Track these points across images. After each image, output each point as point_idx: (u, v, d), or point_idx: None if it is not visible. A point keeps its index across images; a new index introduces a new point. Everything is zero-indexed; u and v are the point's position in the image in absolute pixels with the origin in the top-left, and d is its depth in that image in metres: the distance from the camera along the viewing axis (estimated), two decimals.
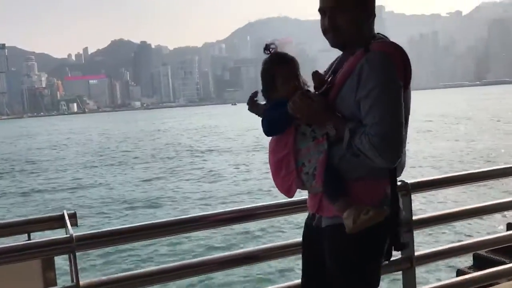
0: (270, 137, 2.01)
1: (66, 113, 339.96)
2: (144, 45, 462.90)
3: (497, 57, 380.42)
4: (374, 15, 1.92)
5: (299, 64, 1.98)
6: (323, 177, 1.85)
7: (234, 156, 32.21)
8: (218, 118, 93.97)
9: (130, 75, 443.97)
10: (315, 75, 1.95)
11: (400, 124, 1.74)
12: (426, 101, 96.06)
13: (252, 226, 11.77)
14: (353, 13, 1.85)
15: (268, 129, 1.95)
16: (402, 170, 1.94)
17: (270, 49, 1.96)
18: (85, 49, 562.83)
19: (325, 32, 1.90)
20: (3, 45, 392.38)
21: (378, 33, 1.94)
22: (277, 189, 2.01)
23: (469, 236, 10.76)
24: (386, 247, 1.90)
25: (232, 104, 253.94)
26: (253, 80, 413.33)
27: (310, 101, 1.83)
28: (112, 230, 2.44)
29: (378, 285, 1.91)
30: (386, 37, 1.92)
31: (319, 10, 1.90)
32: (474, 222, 11.29)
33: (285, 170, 1.92)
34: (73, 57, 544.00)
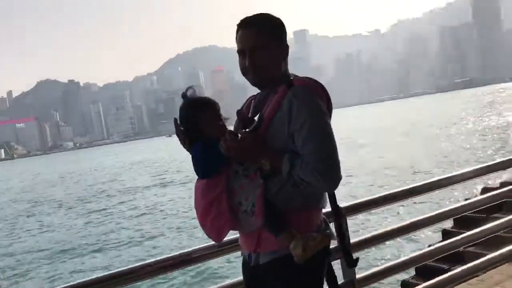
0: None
1: None
2: (72, 84, 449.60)
3: (418, 70, 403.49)
4: (288, 53, 1.99)
5: (219, 106, 1.98)
6: (264, 212, 1.83)
7: (171, 189, 31.16)
8: (154, 152, 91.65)
9: (60, 115, 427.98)
10: (241, 114, 2.00)
11: (336, 149, 1.82)
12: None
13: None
14: (272, 52, 1.91)
15: (203, 171, 1.91)
16: (327, 202, 2.04)
17: (189, 94, 1.96)
18: (9, 93, 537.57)
19: (244, 72, 1.95)
20: None
21: (291, 73, 2.02)
22: (205, 234, 1.96)
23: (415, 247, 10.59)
24: (327, 273, 1.97)
25: (167, 136, 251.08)
26: None
27: (240, 139, 1.85)
28: None
29: None
30: (297, 75, 2.00)
31: (238, 51, 1.94)
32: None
33: (215, 212, 1.87)
34: None
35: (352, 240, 2.91)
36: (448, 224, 8.23)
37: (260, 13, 1.98)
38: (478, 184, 9.43)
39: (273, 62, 1.93)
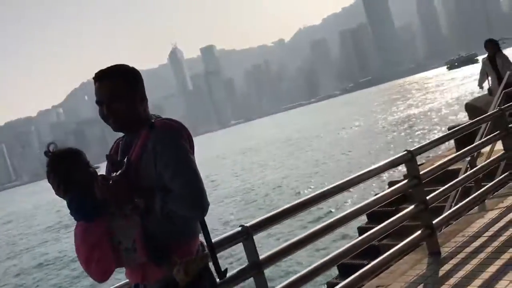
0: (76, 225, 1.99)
1: None
2: None
3: (323, 74, 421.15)
4: (147, 99, 2.14)
5: (84, 153, 2.05)
6: (145, 247, 1.95)
7: None
8: None
9: None
10: (110, 158, 2.12)
11: (200, 180, 1.98)
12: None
13: None
14: (127, 100, 2.04)
15: (85, 215, 1.95)
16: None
17: (51, 149, 1.98)
18: None
19: (105, 119, 2.09)
20: None
21: (153, 114, 2.15)
22: (90, 276, 1.99)
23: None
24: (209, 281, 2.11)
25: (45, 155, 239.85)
26: (101, 139, 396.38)
27: (112, 183, 1.97)
28: None
29: None
30: (159, 116, 2.15)
31: (96, 102, 2.07)
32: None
33: (99, 255, 1.93)
34: None
35: (265, 254, 3.03)
36: (363, 221, 8.07)
37: (114, 65, 2.11)
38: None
39: (128, 109, 2.05)
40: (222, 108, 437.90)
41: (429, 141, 4.78)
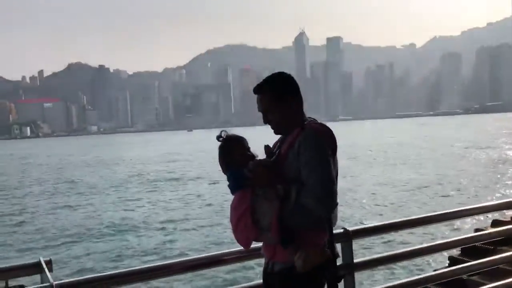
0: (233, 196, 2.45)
1: (18, 137, 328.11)
2: (102, 69, 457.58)
3: (449, 89, 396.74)
4: (302, 103, 2.49)
5: (246, 140, 2.50)
6: (277, 229, 2.28)
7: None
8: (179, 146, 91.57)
9: (87, 99, 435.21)
10: (267, 148, 2.50)
11: (333, 181, 2.28)
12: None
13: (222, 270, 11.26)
14: (282, 110, 2.44)
15: (232, 188, 2.44)
16: (336, 220, 2.47)
17: (222, 135, 2.50)
18: (41, 72, 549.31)
19: (268, 124, 2.50)
20: None
21: (309, 117, 2.50)
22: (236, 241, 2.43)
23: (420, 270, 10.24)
24: (327, 284, 2.36)
25: (188, 131, 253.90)
26: (214, 106, 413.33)
27: (263, 168, 2.36)
28: (90, 278, 2.63)
29: None
30: (315, 119, 2.50)
31: (260, 110, 2.49)
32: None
33: (243, 224, 2.35)
34: (28, 80, 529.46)
35: (360, 259, 3.32)
36: (457, 252, 7.90)
37: (269, 78, 2.50)
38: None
39: (283, 119, 2.45)
40: (334, 100, 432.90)
41: None
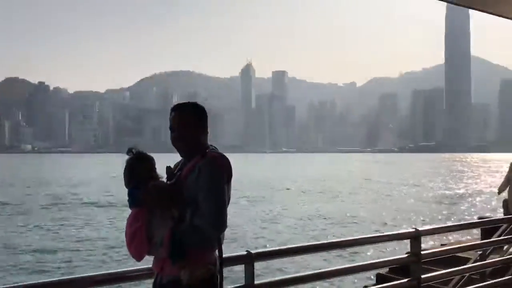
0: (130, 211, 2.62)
1: None
2: (41, 86, 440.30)
3: (386, 128, 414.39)
4: (207, 132, 2.72)
5: (155, 160, 2.67)
6: (169, 246, 2.48)
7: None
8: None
9: (22, 116, 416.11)
10: (168, 169, 2.69)
11: (225, 206, 2.54)
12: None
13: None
14: (187, 134, 2.65)
15: (129, 203, 2.59)
16: (223, 239, 2.69)
17: (133, 150, 2.63)
18: None
19: (173, 143, 2.70)
20: None
21: (210, 145, 2.72)
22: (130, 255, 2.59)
23: None
24: None
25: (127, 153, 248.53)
26: (157, 130, 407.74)
27: (157, 191, 2.54)
28: None
29: None
30: (215, 148, 2.72)
31: (169, 128, 2.71)
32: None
33: (137, 240, 2.52)
34: None
35: (261, 281, 3.46)
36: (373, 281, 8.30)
37: (187, 102, 2.76)
38: None
39: (191, 141, 2.66)
40: (278, 132, 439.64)
41: (439, 226, 5.09)
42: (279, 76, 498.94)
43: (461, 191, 44.02)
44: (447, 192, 43.46)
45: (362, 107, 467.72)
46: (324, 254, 13.63)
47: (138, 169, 2.61)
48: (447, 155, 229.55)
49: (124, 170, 2.64)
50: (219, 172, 2.56)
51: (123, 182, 2.64)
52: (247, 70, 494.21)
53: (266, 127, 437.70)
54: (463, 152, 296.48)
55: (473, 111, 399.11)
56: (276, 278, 3.71)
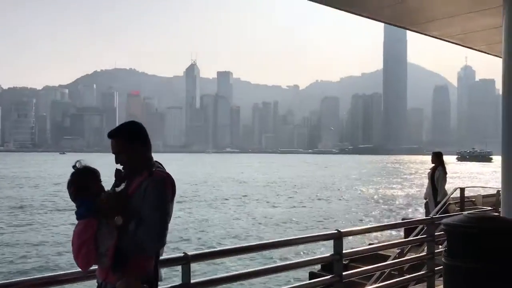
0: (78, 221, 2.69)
1: None
2: None
3: (327, 130, 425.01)
4: (148, 146, 2.83)
5: (99, 173, 2.78)
6: (112, 255, 2.61)
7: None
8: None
9: None
10: (117, 172, 2.79)
11: (166, 223, 2.68)
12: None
13: None
14: (131, 154, 2.76)
15: (81, 215, 2.66)
16: (163, 250, 2.86)
17: (77, 165, 2.72)
18: None
19: (119, 163, 2.79)
20: None
21: (156, 161, 2.85)
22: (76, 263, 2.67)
23: None
24: None
25: (61, 153, 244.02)
26: (97, 129, 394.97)
27: (117, 197, 2.69)
28: None
29: None
30: (161, 165, 2.86)
31: (112, 152, 2.80)
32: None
33: (86, 250, 2.62)
34: None
35: (197, 280, 3.61)
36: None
37: (120, 126, 2.85)
38: None
39: (131, 159, 2.77)
40: (222, 132, 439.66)
41: (360, 228, 5.59)
42: (224, 76, 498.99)
43: (393, 192, 46.30)
44: (380, 192, 45.52)
45: (305, 109, 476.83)
46: (255, 256, 14.15)
47: (88, 182, 2.71)
48: (385, 157, 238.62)
49: (70, 184, 2.72)
50: (164, 191, 2.69)
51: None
52: (192, 70, 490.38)
53: (210, 127, 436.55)
54: (399, 153, 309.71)
55: (409, 115, 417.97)
56: (212, 277, 3.88)
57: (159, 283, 2.79)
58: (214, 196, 39.49)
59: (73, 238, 2.67)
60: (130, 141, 2.78)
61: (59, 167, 79.18)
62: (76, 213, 2.69)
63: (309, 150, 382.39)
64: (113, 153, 2.80)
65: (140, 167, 2.77)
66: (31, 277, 3.04)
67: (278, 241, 4.66)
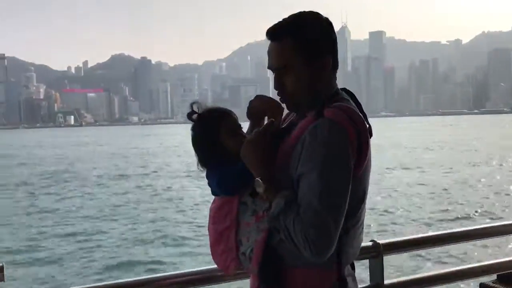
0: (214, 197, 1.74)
1: (62, 125, 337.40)
2: (144, 61, 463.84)
3: (496, 86, 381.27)
4: (337, 67, 1.61)
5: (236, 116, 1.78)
6: (260, 260, 1.58)
7: None
8: None
9: (129, 90, 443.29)
10: (270, 123, 1.64)
11: (341, 212, 1.43)
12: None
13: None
14: (301, 72, 1.54)
15: (219, 187, 1.66)
16: (356, 255, 1.65)
17: (196, 109, 1.76)
18: (85, 63, 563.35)
19: (276, 91, 1.63)
20: (3, 55, 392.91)
21: (343, 89, 1.63)
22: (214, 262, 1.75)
23: None
24: None
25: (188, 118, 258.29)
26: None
27: (263, 137, 1.56)
28: None
29: None
30: (348, 98, 1.59)
31: (268, 67, 1.62)
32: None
33: (224, 246, 1.66)
34: (73, 70, 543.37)
35: (391, 280, 2.54)
36: (490, 278, 6.34)
37: (298, 15, 1.58)
38: None
39: (299, 85, 1.56)
40: (376, 96, 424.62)
41: None
42: (377, 36, 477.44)
43: None
44: None
45: (469, 65, 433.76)
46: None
47: (220, 132, 1.69)
48: None
49: (196, 140, 1.72)
50: (337, 146, 1.45)
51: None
52: (343, 32, 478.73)
53: (363, 91, 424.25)
54: None
55: None
56: (414, 276, 2.80)
57: None
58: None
59: (208, 225, 1.74)
60: (309, 49, 1.48)
61: None
62: (209, 184, 1.71)
63: (475, 110, 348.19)
64: (270, 68, 1.62)
65: (314, 100, 1.58)
66: (184, 271, 2.11)
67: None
